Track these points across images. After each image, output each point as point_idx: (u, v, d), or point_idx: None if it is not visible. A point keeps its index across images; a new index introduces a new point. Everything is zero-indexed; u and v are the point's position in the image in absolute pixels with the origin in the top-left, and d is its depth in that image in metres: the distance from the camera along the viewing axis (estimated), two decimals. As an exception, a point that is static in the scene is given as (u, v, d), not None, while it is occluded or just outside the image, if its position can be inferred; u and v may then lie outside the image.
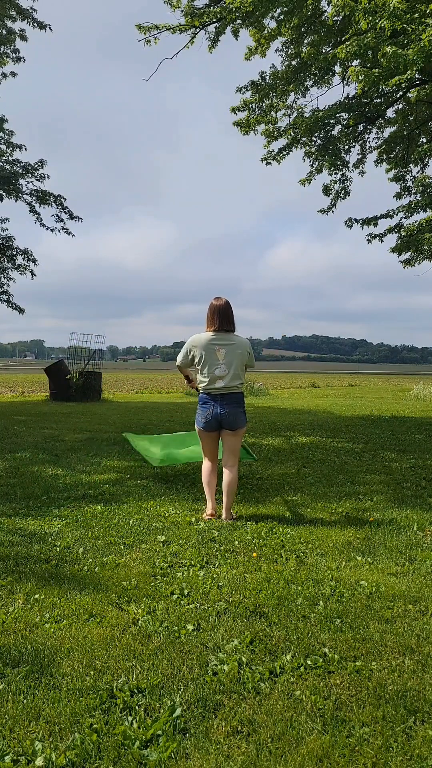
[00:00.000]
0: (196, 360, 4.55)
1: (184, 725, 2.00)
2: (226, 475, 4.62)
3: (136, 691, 2.20)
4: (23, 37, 14.81)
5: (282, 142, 11.54)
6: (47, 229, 16.61)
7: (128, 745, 1.89)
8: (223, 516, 4.54)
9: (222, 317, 4.52)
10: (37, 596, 3.04)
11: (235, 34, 10.94)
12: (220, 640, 2.58)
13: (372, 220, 12.46)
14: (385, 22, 7.08)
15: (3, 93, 19.49)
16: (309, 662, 2.38)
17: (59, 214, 16.50)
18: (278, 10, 10.44)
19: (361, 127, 11.84)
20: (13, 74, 15.45)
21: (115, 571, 3.42)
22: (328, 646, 2.52)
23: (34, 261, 16.99)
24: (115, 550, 3.80)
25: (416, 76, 8.74)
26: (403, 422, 11.64)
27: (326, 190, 12.32)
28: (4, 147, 16.06)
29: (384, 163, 13.04)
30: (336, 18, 9.23)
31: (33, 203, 16.30)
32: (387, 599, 3.01)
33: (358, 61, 8.80)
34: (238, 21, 10.41)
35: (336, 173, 12.18)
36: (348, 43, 7.77)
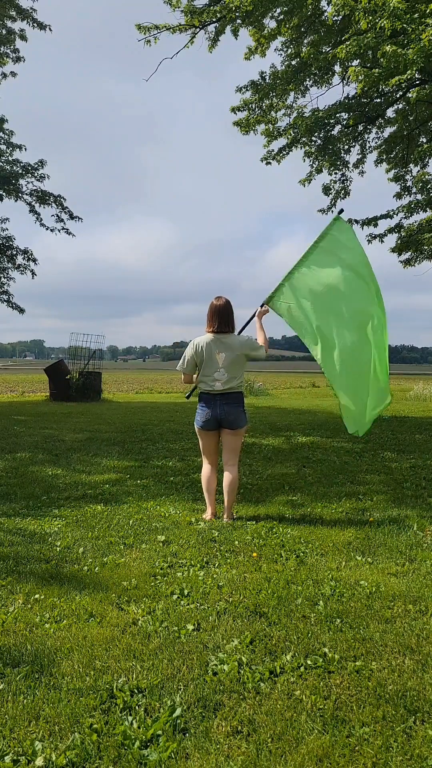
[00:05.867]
0: (198, 365, 4.54)
1: (184, 725, 2.00)
2: (227, 474, 4.61)
3: (136, 691, 2.20)
4: (23, 37, 14.81)
5: (282, 142, 11.54)
6: (47, 229, 16.62)
7: (128, 745, 1.89)
8: (224, 516, 4.54)
9: (221, 318, 4.51)
10: (37, 596, 3.04)
11: (235, 33, 10.93)
12: (220, 640, 2.58)
13: (372, 221, 12.46)
14: (385, 22, 7.08)
15: (3, 93, 19.48)
16: (309, 662, 2.38)
17: (59, 214, 16.50)
18: (278, 10, 10.44)
19: (361, 127, 11.83)
20: (13, 74, 15.45)
21: (115, 571, 3.42)
22: (328, 646, 2.52)
23: (34, 261, 16.99)
24: (115, 550, 3.80)
25: (416, 76, 8.74)
26: (403, 422, 11.64)
27: (326, 189, 12.33)
28: (4, 147, 16.06)
29: (384, 163, 13.04)
30: (336, 18, 9.22)
31: (33, 203, 16.30)
32: (387, 599, 3.01)
33: (358, 61, 8.81)
34: (238, 21, 10.41)
35: (336, 173, 12.18)
36: (348, 43, 7.77)
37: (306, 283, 4.69)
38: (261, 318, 4.75)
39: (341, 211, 5.00)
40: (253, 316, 4.75)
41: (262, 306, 4.74)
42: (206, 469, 4.66)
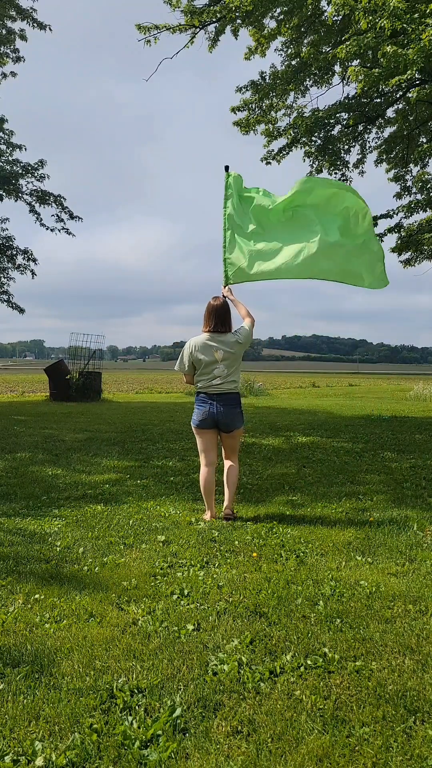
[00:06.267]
0: (196, 365, 4.55)
1: (184, 725, 2.00)
2: (228, 466, 4.64)
3: (136, 691, 2.20)
4: (23, 37, 14.82)
5: (282, 142, 11.56)
6: (47, 229, 16.63)
7: (128, 745, 1.89)
8: (225, 506, 4.54)
9: (218, 318, 4.55)
10: (37, 596, 3.04)
11: (235, 33, 10.95)
12: (220, 640, 2.58)
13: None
14: (385, 22, 7.09)
15: (3, 93, 19.49)
16: (309, 662, 2.38)
17: (59, 214, 16.52)
18: (278, 10, 10.45)
19: (361, 127, 11.84)
20: (13, 74, 15.46)
21: (115, 571, 3.42)
22: (328, 646, 2.52)
23: (34, 261, 17.00)
24: (115, 550, 3.80)
25: (416, 76, 8.74)
26: (403, 422, 11.64)
27: (326, 189, 12.31)
28: (4, 147, 16.06)
29: (384, 163, 13.04)
30: (336, 18, 9.23)
31: (33, 203, 16.31)
32: (387, 599, 3.01)
33: (358, 60, 8.81)
34: (238, 21, 10.42)
35: (336, 173, 12.18)
36: (348, 43, 7.78)
37: (245, 247, 5.00)
38: (231, 295, 4.88)
39: (227, 167, 5.23)
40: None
41: (224, 287, 4.92)
42: (204, 471, 4.65)
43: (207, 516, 4.58)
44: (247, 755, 1.85)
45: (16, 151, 16.22)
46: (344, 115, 11.00)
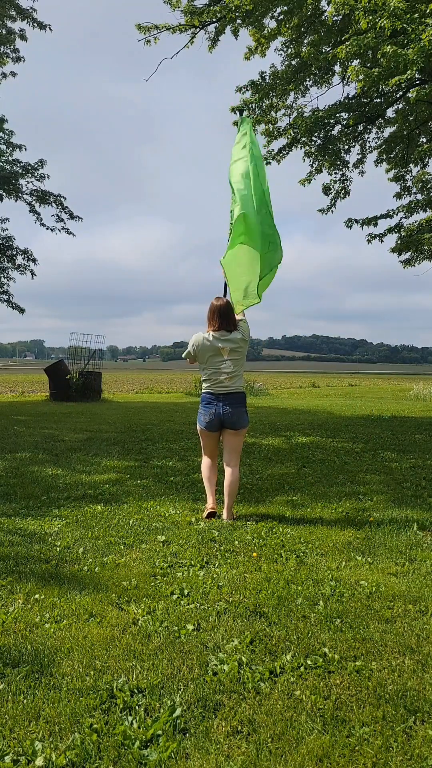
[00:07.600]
0: (199, 358, 4.61)
1: (184, 725, 1.99)
2: (228, 474, 4.63)
3: (136, 691, 2.20)
4: (23, 37, 14.81)
5: (282, 141, 11.55)
6: (47, 228, 16.64)
7: (128, 745, 1.89)
8: (224, 516, 4.54)
9: (222, 317, 4.58)
10: (37, 596, 3.04)
11: (235, 33, 10.94)
12: (220, 640, 2.58)
13: (372, 220, 12.46)
14: (385, 22, 7.09)
15: (3, 93, 19.51)
16: (309, 662, 2.38)
17: (59, 213, 16.53)
18: (278, 10, 10.45)
19: (361, 127, 11.83)
20: (13, 74, 15.46)
21: (115, 571, 3.42)
22: (328, 646, 2.52)
23: (34, 261, 17.01)
24: (115, 550, 3.80)
25: (416, 75, 8.74)
26: (403, 422, 11.64)
27: (326, 189, 12.32)
28: (4, 147, 16.07)
29: (384, 163, 13.04)
30: (336, 17, 9.23)
31: (33, 203, 16.32)
32: (387, 599, 3.01)
33: (358, 60, 8.81)
34: (238, 21, 10.42)
35: (336, 173, 12.18)
36: (348, 43, 7.77)
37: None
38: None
39: (241, 111, 5.06)
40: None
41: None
42: (206, 462, 4.74)
43: (208, 505, 4.60)
44: (247, 755, 1.85)
45: (16, 151, 16.25)
46: (344, 115, 10.99)
